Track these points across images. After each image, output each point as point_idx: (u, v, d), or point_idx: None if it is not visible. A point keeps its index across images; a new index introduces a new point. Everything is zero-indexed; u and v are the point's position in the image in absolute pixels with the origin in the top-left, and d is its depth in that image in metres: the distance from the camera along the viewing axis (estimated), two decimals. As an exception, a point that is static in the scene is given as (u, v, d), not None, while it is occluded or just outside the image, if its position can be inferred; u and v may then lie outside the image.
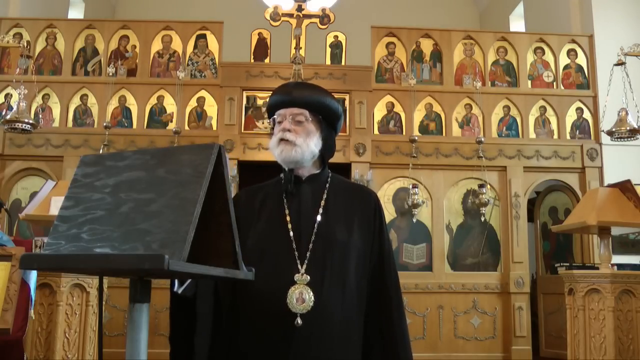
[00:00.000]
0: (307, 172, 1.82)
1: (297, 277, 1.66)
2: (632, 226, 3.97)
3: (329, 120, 1.83)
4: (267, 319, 1.65)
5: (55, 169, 7.01)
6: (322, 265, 1.69)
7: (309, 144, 1.77)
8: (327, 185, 1.83)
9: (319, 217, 1.75)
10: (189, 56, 7.47)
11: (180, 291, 1.54)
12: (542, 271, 7.91)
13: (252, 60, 7.51)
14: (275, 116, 1.83)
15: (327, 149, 1.84)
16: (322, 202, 1.78)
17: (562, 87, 7.67)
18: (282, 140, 1.77)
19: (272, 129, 1.87)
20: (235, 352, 1.72)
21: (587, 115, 7.58)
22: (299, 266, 1.68)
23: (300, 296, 1.63)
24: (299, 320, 1.61)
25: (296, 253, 1.70)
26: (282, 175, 1.86)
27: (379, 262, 1.80)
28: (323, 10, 7.66)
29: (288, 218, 1.75)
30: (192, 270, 1.07)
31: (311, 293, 1.64)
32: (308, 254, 1.70)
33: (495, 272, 7.15)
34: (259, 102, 7.29)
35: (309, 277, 1.66)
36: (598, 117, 7.22)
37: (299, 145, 1.75)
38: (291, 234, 1.72)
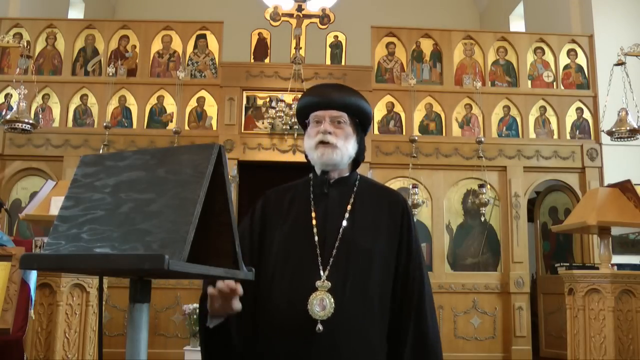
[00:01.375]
0: (337, 175, 1.80)
1: (318, 283, 1.64)
2: (632, 226, 3.97)
3: (363, 124, 1.84)
4: (288, 324, 1.64)
5: (55, 169, 7.01)
6: (345, 272, 1.67)
7: (348, 148, 1.76)
8: (355, 188, 1.81)
9: (344, 222, 1.73)
10: (189, 56, 7.47)
11: (212, 325, 1.57)
12: (542, 271, 7.91)
13: (252, 60, 7.51)
14: (310, 117, 1.80)
15: (361, 152, 1.84)
16: (349, 207, 1.76)
17: (562, 87, 7.67)
18: (321, 142, 1.74)
19: (305, 130, 1.84)
20: (253, 356, 1.70)
21: (587, 115, 7.58)
22: (321, 272, 1.66)
23: (321, 303, 1.62)
24: (320, 327, 1.60)
25: (319, 259, 1.68)
26: (310, 175, 1.83)
27: (405, 268, 1.77)
28: (323, 10, 7.66)
29: (314, 222, 1.73)
30: (192, 270, 1.07)
31: (332, 299, 1.62)
32: (331, 259, 1.67)
33: (495, 272, 7.15)
34: (259, 102, 7.29)
35: (330, 284, 1.64)
36: (598, 117, 7.22)
37: (339, 147, 1.74)
38: (316, 238, 1.70)
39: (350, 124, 1.79)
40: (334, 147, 1.73)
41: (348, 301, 1.64)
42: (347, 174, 1.82)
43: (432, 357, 1.72)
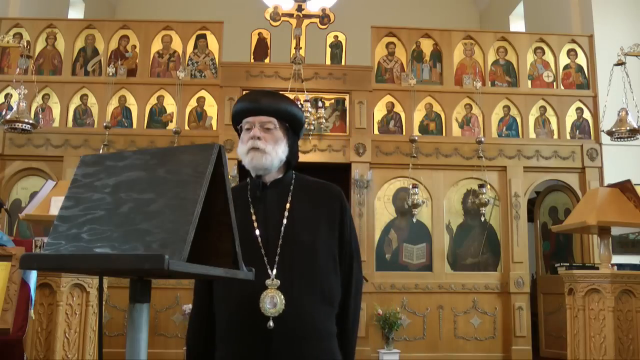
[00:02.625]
0: (272, 177, 1.87)
1: (268, 282, 1.72)
2: (632, 226, 3.97)
3: (294, 127, 1.89)
4: (242, 323, 1.73)
5: (55, 169, 7.01)
6: (291, 269, 1.75)
7: (277, 151, 1.82)
8: (291, 187, 1.88)
9: (284, 221, 1.80)
10: (189, 56, 7.47)
11: None
12: (542, 271, 7.91)
13: (252, 60, 7.51)
14: (242, 124, 1.87)
15: (293, 154, 1.89)
16: (287, 205, 1.83)
17: (562, 87, 7.67)
18: (252, 148, 1.81)
19: (239, 135, 1.91)
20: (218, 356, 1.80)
21: (587, 115, 7.58)
22: (269, 271, 1.74)
23: (272, 300, 1.70)
24: (271, 323, 1.67)
25: (265, 259, 1.75)
26: (248, 180, 1.91)
27: (346, 258, 1.88)
28: (323, 10, 7.66)
29: (255, 224, 1.81)
30: (192, 270, 1.07)
31: (282, 296, 1.70)
32: (277, 258, 1.75)
33: (495, 272, 7.15)
34: (259, 102, 7.28)
35: (279, 282, 1.72)
36: (598, 117, 7.22)
37: (268, 152, 1.80)
38: (259, 239, 1.78)
39: (280, 128, 1.84)
40: (262, 152, 1.80)
41: (297, 296, 1.73)
42: (281, 175, 1.89)
43: (350, 338, 1.88)
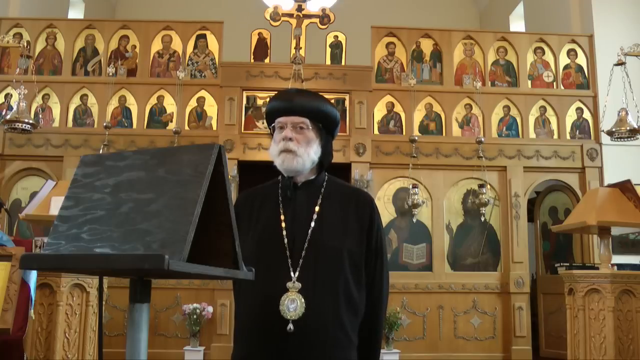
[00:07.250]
0: (304, 177, 1.84)
1: (289, 284, 1.70)
2: (632, 226, 3.97)
3: (328, 127, 1.85)
4: (261, 324, 1.70)
5: (55, 169, 7.01)
6: (314, 273, 1.72)
7: (310, 153, 1.79)
8: (322, 190, 1.84)
9: (312, 224, 1.77)
10: (189, 56, 7.47)
11: None
12: (542, 271, 7.91)
13: (252, 60, 7.51)
14: (275, 123, 1.83)
15: (326, 155, 1.86)
16: (317, 208, 1.80)
17: (562, 87, 7.67)
18: (284, 150, 1.78)
19: (271, 134, 1.87)
20: (235, 356, 1.79)
21: (587, 115, 7.58)
22: (292, 273, 1.71)
23: (292, 303, 1.68)
24: (291, 327, 1.65)
25: (289, 260, 1.73)
26: (279, 178, 1.87)
27: (371, 268, 1.83)
28: (323, 10, 7.66)
29: (283, 225, 1.78)
30: (192, 270, 1.07)
31: (302, 300, 1.68)
32: (301, 261, 1.73)
33: (495, 272, 7.15)
34: (259, 102, 7.29)
35: (300, 285, 1.70)
36: (598, 117, 7.22)
37: (300, 155, 1.77)
38: (285, 240, 1.75)
39: (313, 128, 1.81)
40: (294, 154, 1.77)
41: (318, 301, 1.69)
42: (313, 177, 1.85)
43: (375, 350, 1.85)
